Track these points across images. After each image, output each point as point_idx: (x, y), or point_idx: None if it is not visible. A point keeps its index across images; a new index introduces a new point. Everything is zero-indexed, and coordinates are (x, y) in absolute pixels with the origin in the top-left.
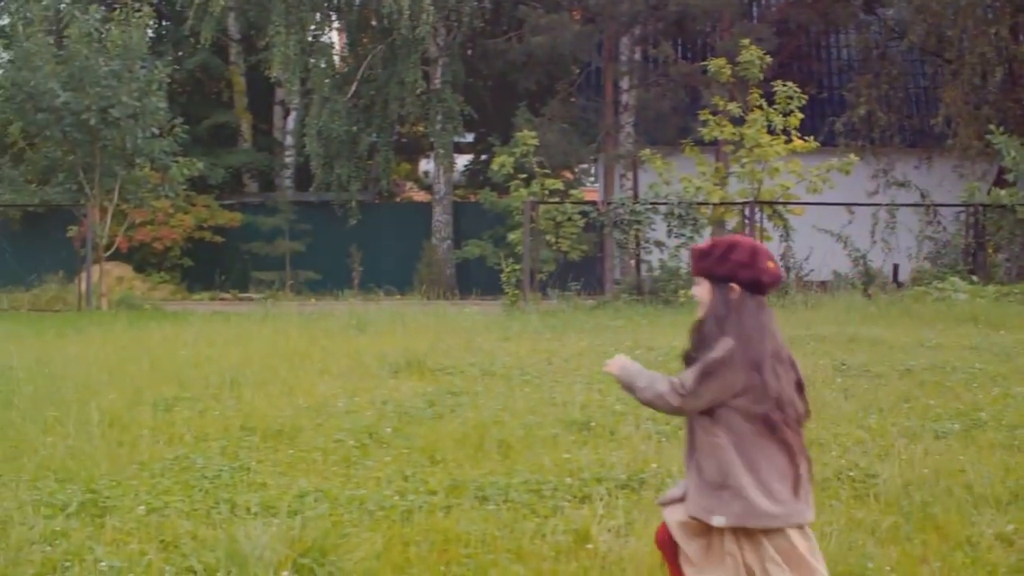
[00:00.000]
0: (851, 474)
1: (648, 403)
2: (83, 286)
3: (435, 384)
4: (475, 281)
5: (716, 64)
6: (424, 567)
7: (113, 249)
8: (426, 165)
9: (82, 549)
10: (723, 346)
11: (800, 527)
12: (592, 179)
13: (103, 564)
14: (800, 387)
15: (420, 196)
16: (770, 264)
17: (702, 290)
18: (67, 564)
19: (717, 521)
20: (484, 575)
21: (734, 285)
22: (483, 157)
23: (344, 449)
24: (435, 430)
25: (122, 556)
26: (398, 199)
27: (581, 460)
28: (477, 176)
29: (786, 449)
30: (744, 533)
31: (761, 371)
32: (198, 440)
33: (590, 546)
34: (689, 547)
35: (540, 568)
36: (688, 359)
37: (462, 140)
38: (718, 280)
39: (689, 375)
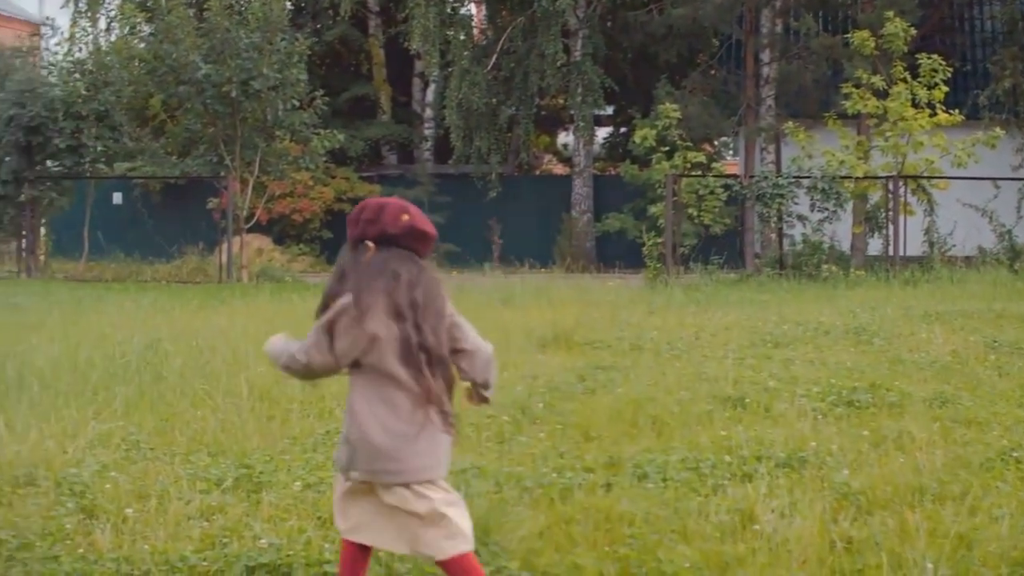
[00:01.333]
0: (1015, 455)
1: (286, 369)
2: (223, 258)
3: (583, 359)
4: (614, 254)
5: (859, 36)
6: (588, 546)
7: (253, 221)
8: (565, 137)
9: (239, 525)
10: (340, 301)
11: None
12: (731, 152)
13: (263, 541)
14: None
15: (560, 169)
16: (403, 217)
17: None
18: (225, 540)
19: (353, 476)
20: (651, 555)
21: (368, 243)
22: (623, 130)
23: (497, 424)
24: (587, 406)
25: (280, 532)
26: (538, 172)
27: (738, 437)
28: (617, 149)
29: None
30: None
31: (364, 320)
32: None
33: (756, 527)
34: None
35: (706, 548)
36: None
37: (602, 113)
38: (355, 243)
39: (311, 331)
